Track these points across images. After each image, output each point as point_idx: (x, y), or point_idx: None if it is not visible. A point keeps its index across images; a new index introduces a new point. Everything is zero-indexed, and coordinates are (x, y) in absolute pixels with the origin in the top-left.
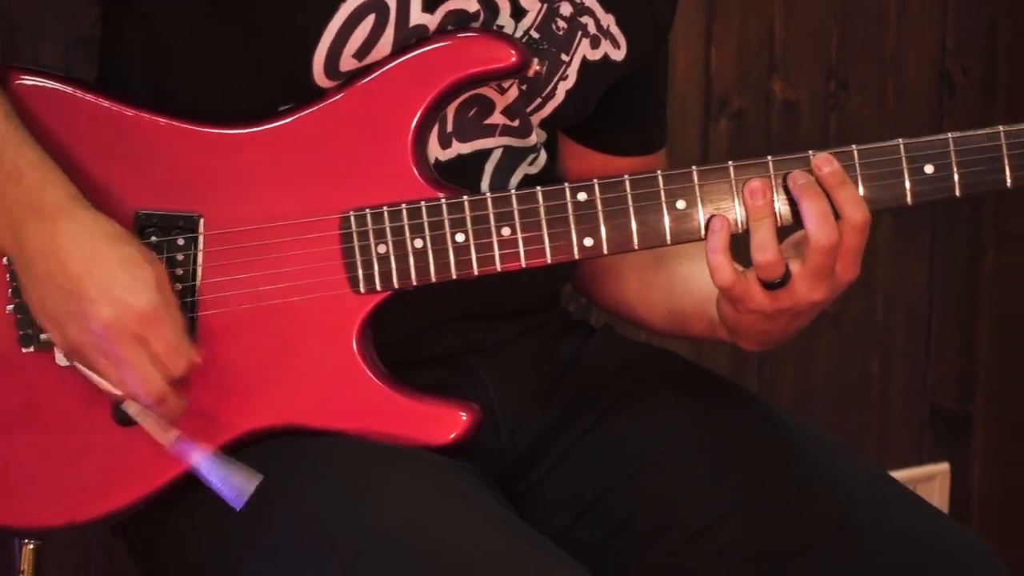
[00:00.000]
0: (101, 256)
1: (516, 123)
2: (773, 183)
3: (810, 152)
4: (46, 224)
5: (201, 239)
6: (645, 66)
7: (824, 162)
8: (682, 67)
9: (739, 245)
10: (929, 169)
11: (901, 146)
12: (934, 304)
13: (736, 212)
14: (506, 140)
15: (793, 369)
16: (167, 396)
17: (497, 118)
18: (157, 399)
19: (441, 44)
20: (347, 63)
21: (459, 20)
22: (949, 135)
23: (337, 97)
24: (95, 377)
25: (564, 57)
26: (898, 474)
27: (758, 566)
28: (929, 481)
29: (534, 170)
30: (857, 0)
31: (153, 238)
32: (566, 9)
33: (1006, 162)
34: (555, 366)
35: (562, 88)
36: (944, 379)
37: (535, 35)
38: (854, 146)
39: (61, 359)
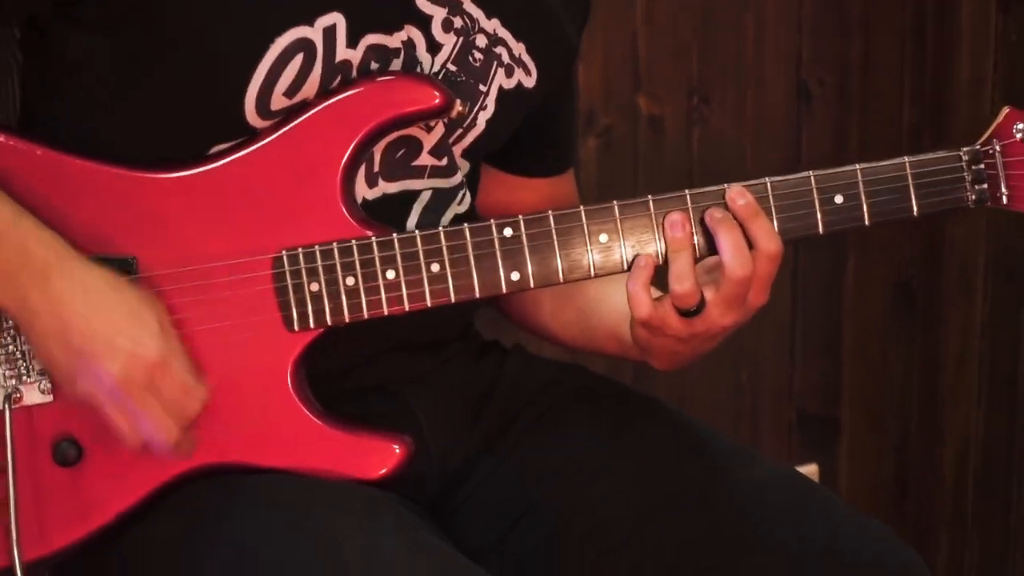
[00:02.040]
0: (101, 310)
1: (443, 162)
2: (691, 217)
3: (725, 185)
4: (39, 283)
5: (135, 281)
6: (553, 92)
7: (738, 195)
8: None
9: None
10: (839, 199)
11: (812, 177)
12: (797, 311)
13: (656, 245)
14: (435, 182)
15: (668, 383)
16: (181, 441)
17: (425, 159)
18: (172, 446)
19: (365, 87)
20: (278, 102)
21: (380, 55)
22: (857, 166)
23: (267, 140)
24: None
25: (482, 88)
26: None
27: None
28: None
29: (462, 209)
30: (717, 16)
31: None
32: (481, 41)
33: (912, 191)
34: (477, 390)
35: (482, 118)
36: (810, 385)
37: (452, 68)
38: (767, 178)
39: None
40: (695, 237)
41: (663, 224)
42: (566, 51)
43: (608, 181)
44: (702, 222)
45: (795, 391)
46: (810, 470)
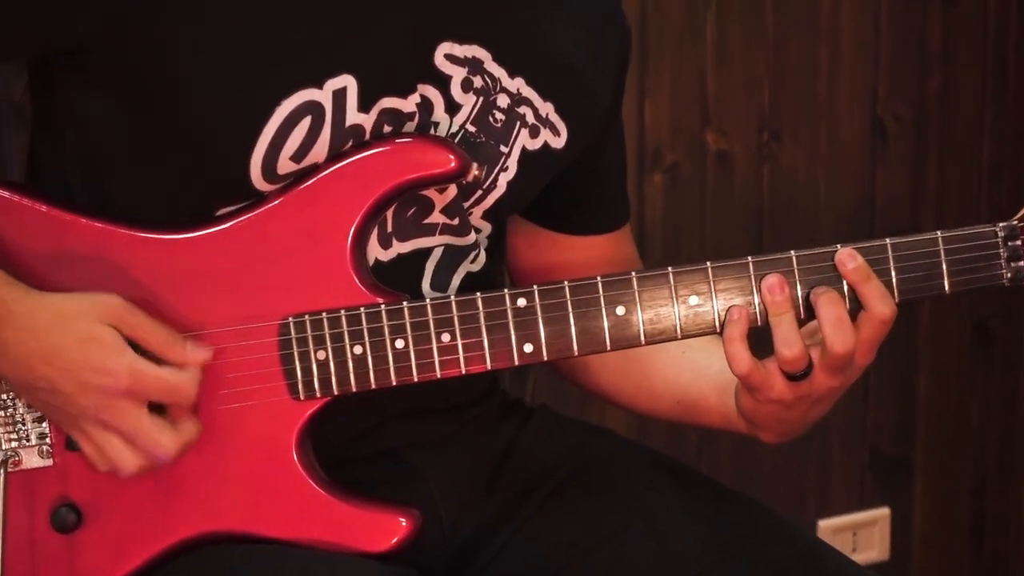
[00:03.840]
0: (57, 349)
1: (456, 221)
2: (712, 288)
3: (838, 246)
4: None
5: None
6: (595, 148)
7: (848, 258)
8: None
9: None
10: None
11: (940, 238)
12: None
13: (674, 317)
14: (446, 239)
15: None
16: (184, 445)
17: (436, 217)
18: (177, 451)
19: (378, 150)
20: (285, 166)
21: (394, 119)
22: (887, 240)
23: (275, 202)
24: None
25: (503, 148)
26: (840, 520)
27: None
28: (870, 526)
29: (475, 267)
30: (789, 50)
31: None
32: (503, 101)
33: (944, 267)
34: (494, 454)
35: (503, 179)
36: (883, 424)
37: (471, 128)
38: (887, 239)
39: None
40: (753, 306)
41: (761, 288)
42: (599, 108)
43: (674, 220)
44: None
45: (868, 430)
46: (882, 513)
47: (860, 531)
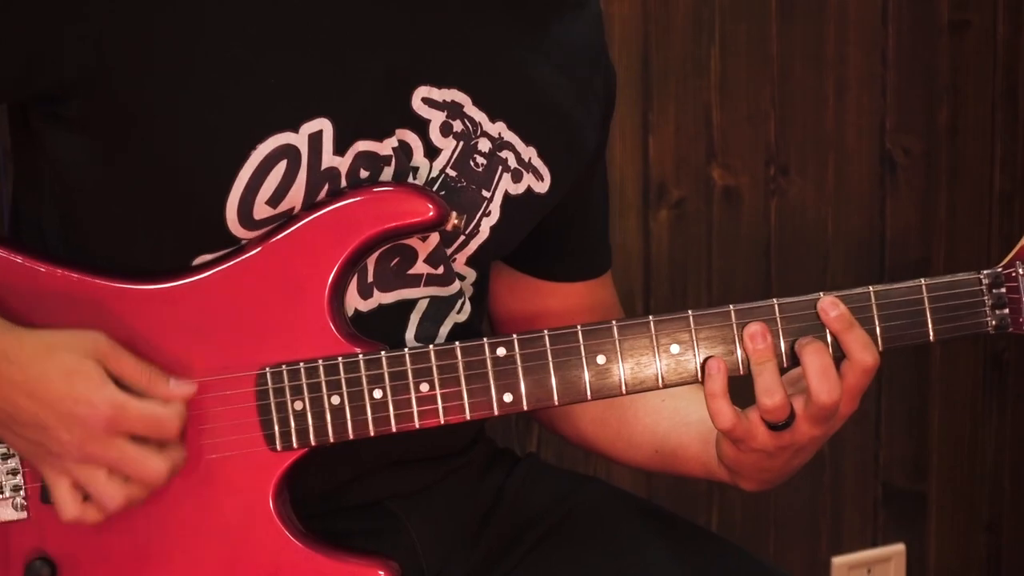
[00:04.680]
0: (41, 380)
1: (440, 270)
2: (694, 338)
3: (820, 294)
4: None
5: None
6: (578, 193)
7: (830, 306)
8: (619, 156)
9: None
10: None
11: (820, 299)
12: (882, 383)
13: (656, 367)
14: (432, 290)
15: None
16: (173, 467)
17: (420, 267)
18: (167, 474)
19: (355, 200)
20: (261, 211)
21: (370, 162)
22: (871, 288)
23: (252, 252)
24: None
25: (485, 193)
26: (854, 556)
27: None
28: (885, 563)
29: (462, 317)
30: (795, 82)
31: None
32: (484, 145)
33: (928, 315)
34: (479, 504)
35: (486, 224)
36: (896, 459)
37: (452, 173)
38: (870, 287)
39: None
40: (736, 355)
41: (743, 337)
42: (584, 152)
43: (681, 257)
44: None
45: (881, 466)
46: (896, 550)
47: (874, 568)
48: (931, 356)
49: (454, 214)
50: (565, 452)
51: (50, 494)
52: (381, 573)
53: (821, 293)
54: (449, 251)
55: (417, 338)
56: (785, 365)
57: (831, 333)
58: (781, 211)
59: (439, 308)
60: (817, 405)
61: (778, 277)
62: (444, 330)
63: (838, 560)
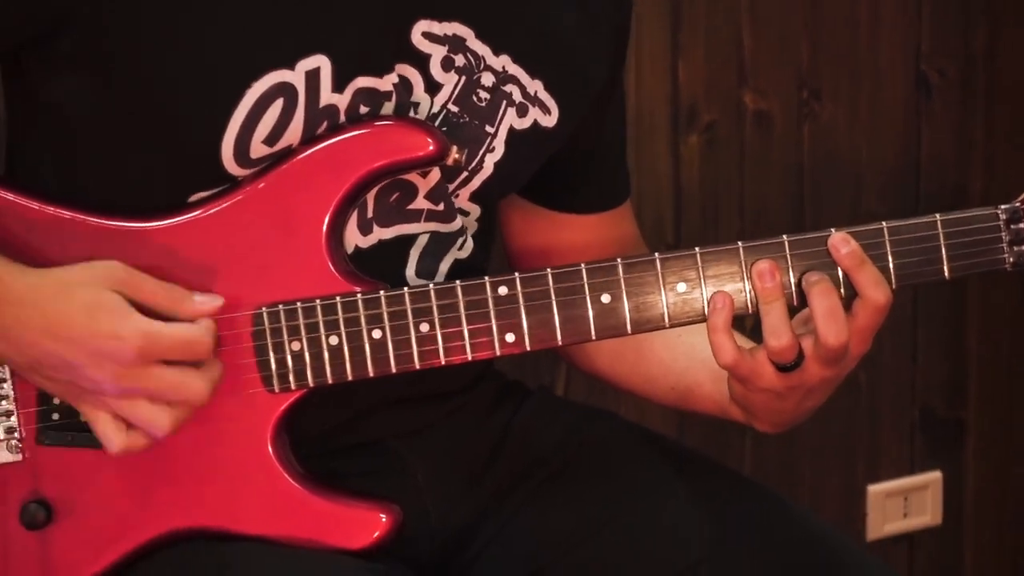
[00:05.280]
0: (63, 321)
1: (441, 207)
2: (701, 275)
3: (832, 230)
4: None
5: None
6: (591, 125)
7: (841, 242)
8: (648, 80)
9: None
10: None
11: (832, 236)
12: (919, 307)
13: (661, 305)
14: (432, 226)
15: None
16: (213, 384)
17: (421, 203)
18: (208, 393)
19: (352, 134)
20: (258, 150)
21: (370, 99)
22: (884, 224)
23: (248, 189)
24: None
25: (489, 128)
26: (890, 484)
27: None
28: (922, 490)
29: (463, 255)
30: (827, 5)
31: None
32: (487, 79)
33: (943, 252)
34: (485, 442)
35: (489, 160)
36: (933, 384)
37: (454, 108)
38: (883, 223)
39: None
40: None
41: (751, 273)
42: (594, 85)
43: (711, 181)
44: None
45: (917, 391)
46: (934, 477)
47: (911, 496)
48: (968, 279)
49: (454, 148)
50: (595, 386)
51: (93, 429)
52: (383, 516)
53: (832, 229)
54: (452, 187)
55: (418, 274)
56: (795, 304)
57: (842, 270)
58: (814, 136)
59: (439, 244)
60: (825, 347)
61: (811, 204)
62: (444, 266)
63: (874, 488)
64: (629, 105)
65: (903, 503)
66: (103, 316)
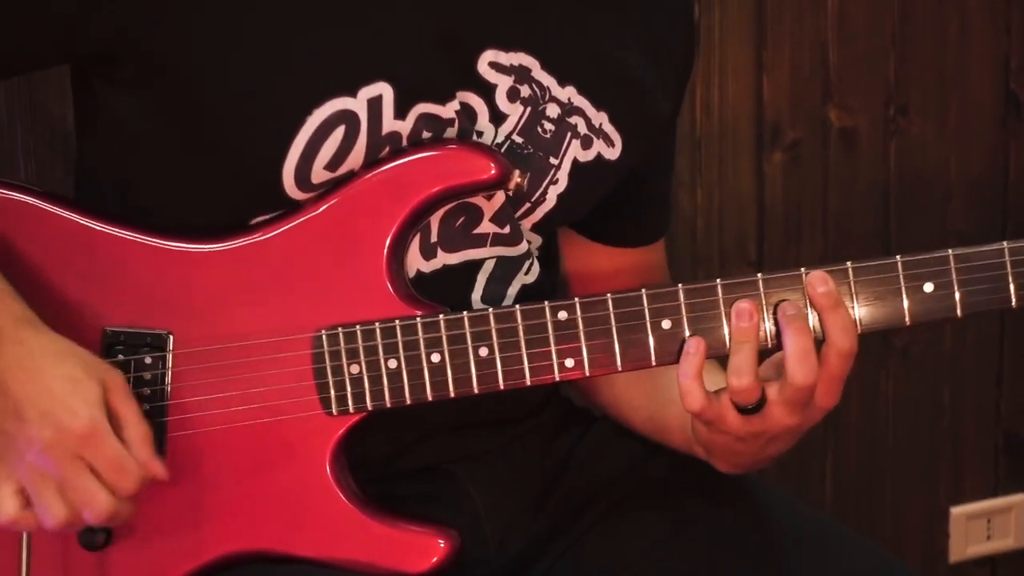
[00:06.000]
0: (42, 376)
1: (507, 230)
2: (764, 304)
3: (802, 270)
4: None
5: (170, 357)
6: (646, 162)
7: (818, 281)
8: (732, 96)
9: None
10: (928, 288)
11: (899, 263)
12: (1006, 328)
13: (723, 332)
14: (499, 250)
15: (860, 404)
16: (118, 514)
17: (486, 227)
18: (106, 515)
19: (414, 157)
20: (319, 175)
21: (432, 126)
22: (950, 251)
23: (310, 212)
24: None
25: (553, 160)
26: (973, 507)
27: None
28: (1005, 513)
29: (530, 279)
30: (915, 20)
31: (120, 356)
32: (552, 111)
33: (1010, 280)
34: (546, 469)
35: (553, 192)
36: (1019, 406)
37: (518, 139)
38: (848, 263)
39: None
40: (765, 326)
41: (731, 311)
42: (656, 118)
43: (795, 200)
44: (776, 314)
45: (1002, 414)
46: (1017, 499)
47: (994, 518)
48: None
49: (516, 172)
50: None
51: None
52: (441, 542)
53: (803, 270)
54: (515, 216)
55: (484, 300)
56: (770, 346)
57: (814, 310)
58: (901, 153)
59: (507, 268)
60: (792, 386)
61: (897, 222)
62: (512, 291)
63: (956, 510)
64: (713, 121)
65: (986, 526)
66: (75, 391)
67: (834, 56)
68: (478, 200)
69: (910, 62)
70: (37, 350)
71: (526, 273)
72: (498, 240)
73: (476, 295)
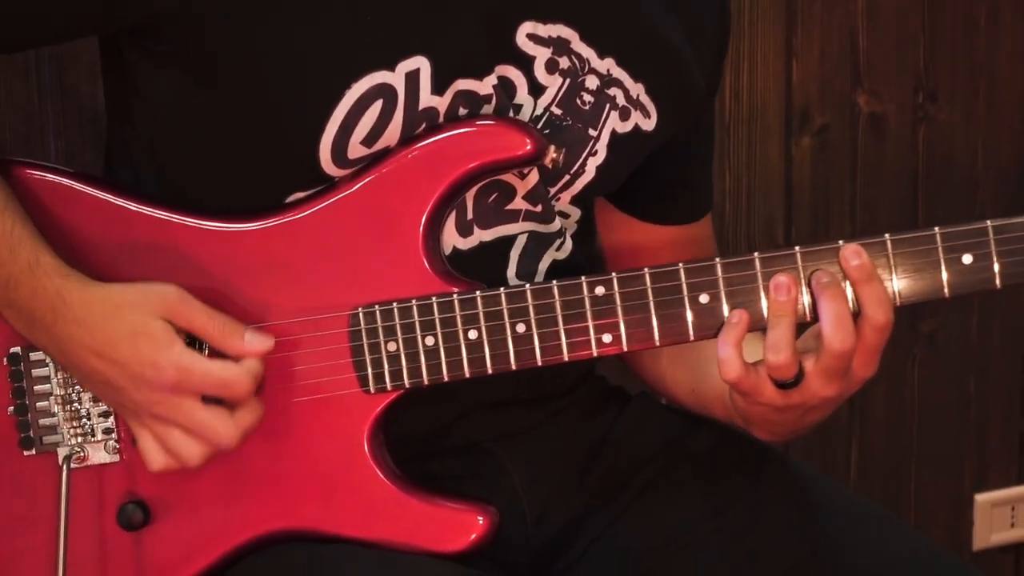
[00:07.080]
0: (108, 342)
1: (539, 208)
2: (801, 277)
3: (840, 242)
4: (51, 332)
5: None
6: (682, 138)
7: (852, 254)
8: (761, 81)
9: None
10: (967, 259)
11: (937, 234)
12: None
13: (761, 306)
14: (530, 225)
15: (886, 390)
16: (244, 430)
17: (519, 203)
18: (237, 438)
19: (451, 134)
20: (355, 151)
21: (470, 101)
22: (988, 222)
23: (345, 190)
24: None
25: (592, 132)
26: (998, 494)
27: None
28: None
29: (561, 255)
30: (945, 6)
31: None
32: (592, 82)
33: None
34: (584, 446)
35: (592, 164)
36: None
37: (557, 111)
38: (887, 235)
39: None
40: (803, 300)
41: (770, 284)
42: (694, 91)
43: (823, 185)
44: (811, 283)
45: None
46: None
47: (1019, 506)
48: None
49: (552, 148)
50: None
51: (137, 443)
52: (479, 519)
53: (841, 242)
54: (553, 190)
55: (518, 275)
56: (808, 319)
57: (850, 283)
58: (929, 139)
59: (538, 244)
60: (829, 353)
61: (925, 208)
62: (543, 265)
63: (981, 497)
64: (742, 105)
65: (1010, 513)
66: (145, 343)
67: (864, 42)
68: (511, 179)
69: (940, 49)
70: (86, 318)
71: (557, 249)
72: (530, 216)
73: (511, 271)
